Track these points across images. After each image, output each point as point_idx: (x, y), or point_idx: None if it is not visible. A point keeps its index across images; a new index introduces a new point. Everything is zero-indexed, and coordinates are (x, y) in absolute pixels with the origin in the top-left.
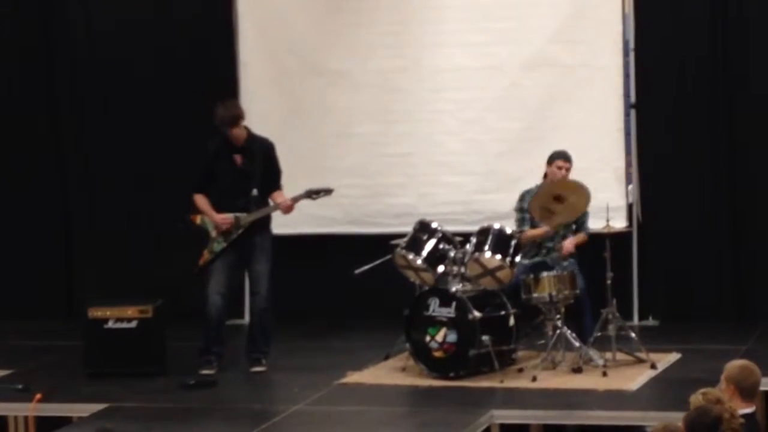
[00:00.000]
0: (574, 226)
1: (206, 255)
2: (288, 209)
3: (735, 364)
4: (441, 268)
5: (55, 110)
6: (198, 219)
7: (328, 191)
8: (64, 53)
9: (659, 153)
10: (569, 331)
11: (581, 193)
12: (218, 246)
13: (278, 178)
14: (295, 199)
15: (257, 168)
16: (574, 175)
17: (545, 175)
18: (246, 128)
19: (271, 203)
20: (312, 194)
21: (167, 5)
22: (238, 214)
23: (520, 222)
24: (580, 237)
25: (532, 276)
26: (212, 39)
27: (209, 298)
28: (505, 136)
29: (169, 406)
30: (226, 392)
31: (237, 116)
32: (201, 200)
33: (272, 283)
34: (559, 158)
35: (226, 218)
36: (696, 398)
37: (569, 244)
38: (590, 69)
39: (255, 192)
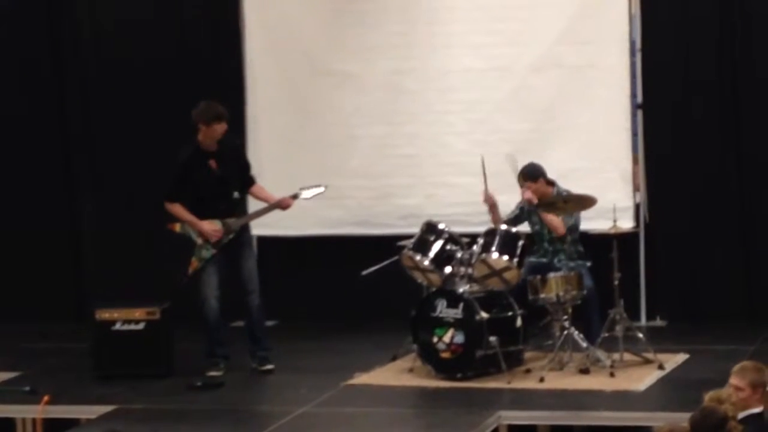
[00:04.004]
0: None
1: (195, 263)
2: (288, 207)
3: (747, 365)
4: (448, 269)
5: (63, 112)
6: (177, 227)
7: (317, 187)
8: (71, 53)
9: (666, 153)
10: (576, 332)
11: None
12: (207, 252)
13: (249, 171)
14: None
15: (233, 170)
16: (581, 176)
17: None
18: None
19: (263, 204)
20: (303, 191)
21: (173, 6)
22: (226, 220)
23: (511, 215)
24: (556, 221)
25: (539, 277)
26: (219, 39)
27: (206, 303)
28: (512, 136)
29: (176, 407)
30: (234, 394)
31: (221, 113)
32: (180, 209)
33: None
34: (520, 177)
35: (215, 228)
36: (708, 396)
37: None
38: (597, 70)
39: (236, 194)
